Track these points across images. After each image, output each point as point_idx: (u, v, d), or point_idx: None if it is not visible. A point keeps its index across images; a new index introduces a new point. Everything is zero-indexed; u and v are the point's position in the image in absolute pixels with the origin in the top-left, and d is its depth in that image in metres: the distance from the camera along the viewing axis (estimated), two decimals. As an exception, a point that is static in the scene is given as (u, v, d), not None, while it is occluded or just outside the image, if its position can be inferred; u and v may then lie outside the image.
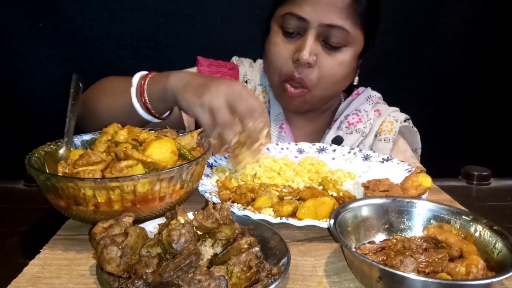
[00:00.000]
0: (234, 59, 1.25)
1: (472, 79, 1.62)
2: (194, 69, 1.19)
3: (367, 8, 1.00)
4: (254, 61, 1.26)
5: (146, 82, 0.88)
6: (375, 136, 1.14)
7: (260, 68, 1.22)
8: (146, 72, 0.93)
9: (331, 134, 1.13)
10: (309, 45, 0.97)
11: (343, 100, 1.21)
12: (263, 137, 0.79)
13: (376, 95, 1.21)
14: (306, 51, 0.97)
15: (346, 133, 1.12)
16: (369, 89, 1.22)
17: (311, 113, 1.15)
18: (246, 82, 1.19)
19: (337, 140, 1.09)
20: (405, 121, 1.16)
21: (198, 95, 0.77)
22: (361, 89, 1.21)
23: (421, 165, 1.13)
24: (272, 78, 1.08)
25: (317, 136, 1.17)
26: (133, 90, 0.89)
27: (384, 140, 1.12)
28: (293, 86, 1.02)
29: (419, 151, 1.22)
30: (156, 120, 0.93)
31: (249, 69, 1.21)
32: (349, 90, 1.20)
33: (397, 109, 1.20)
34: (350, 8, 0.97)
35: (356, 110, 1.16)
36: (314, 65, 0.99)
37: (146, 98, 0.88)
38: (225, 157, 0.93)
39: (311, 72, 1.00)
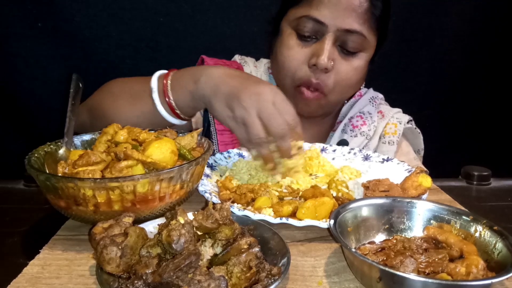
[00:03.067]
0: (237, 57, 1.23)
1: (472, 79, 1.62)
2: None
3: (382, 12, 0.99)
4: (256, 60, 1.25)
5: (169, 87, 0.83)
6: (379, 138, 1.13)
7: (265, 68, 1.20)
8: (163, 72, 0.87)
9: (335, 137, 1.12)
10: (327, 49, 0.95)
11: (346, 101, 1.19)
12: (296, 151, 0.76)
13: (379, 96, 1.21)
14: (325, 56, 0.95)
15: (351, 136, 1.11)
16: (371, 90, 1.21)
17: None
18: None
19: (343, 144, 1.08)
20: (408, 122, 1.16)
21: (230, 107, 0.74)
22: (363, 90, 1.20)
23: (422, 166, 1.13)
24: (283, 81, 1.05)
25: (321, 139, 1.16)
26: (156, 96, 0.84)
27: (389, 143, 1.11)
28: (309, 90, 1.01)
29: (422, 152, 1.21)
30: (183, 122, 0.88)
31: (254, 69, 1.19)
32: None
33: (400, 110, 1.19)
34: (368, 13, 0.95)
35: (360, 112, 1.15)
36: (331, 70, 0.97)
37: (173, 104, 0.83)
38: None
39: (328, 77, 0.99)
